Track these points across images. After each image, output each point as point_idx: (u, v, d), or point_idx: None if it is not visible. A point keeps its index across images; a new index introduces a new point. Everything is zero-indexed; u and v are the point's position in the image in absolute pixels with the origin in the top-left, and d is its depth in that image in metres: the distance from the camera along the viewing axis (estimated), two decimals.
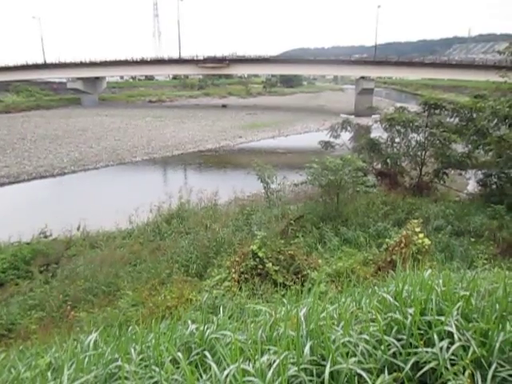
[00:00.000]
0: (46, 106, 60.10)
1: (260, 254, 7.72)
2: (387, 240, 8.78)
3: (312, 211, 13.20)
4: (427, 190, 16.22)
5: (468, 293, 2.05)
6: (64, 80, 67.52)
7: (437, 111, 16.74)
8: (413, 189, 16.11)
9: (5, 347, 6.18)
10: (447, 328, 1.79)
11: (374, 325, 1.93)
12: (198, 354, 2.01)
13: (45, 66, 65.81)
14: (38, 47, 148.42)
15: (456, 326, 1.80)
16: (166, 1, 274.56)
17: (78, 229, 14.57)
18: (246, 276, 7.49)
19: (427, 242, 7.78)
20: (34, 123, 45.30)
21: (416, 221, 8.59)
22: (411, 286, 2.19)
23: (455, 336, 1.75)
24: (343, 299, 2.52)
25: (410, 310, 1.91)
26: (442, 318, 1.84)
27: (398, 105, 29.46)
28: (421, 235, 7.85)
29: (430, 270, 2.52)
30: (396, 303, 2.05)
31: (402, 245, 7.74)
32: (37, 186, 24.40)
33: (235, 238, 11.31)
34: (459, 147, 16.37)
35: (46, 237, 14.35)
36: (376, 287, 2.79)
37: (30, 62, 66.33)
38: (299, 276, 7.53)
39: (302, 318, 2.03)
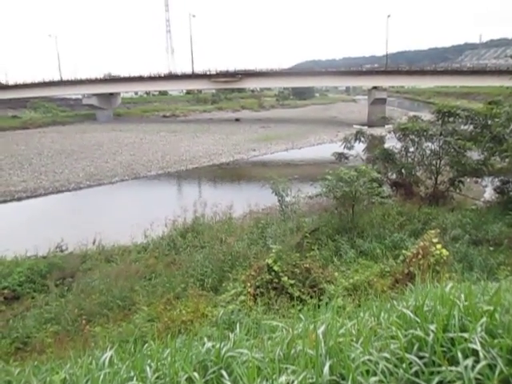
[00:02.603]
0: (62, 122, 61.36)
1: (275, 268, 7.67)
2: (404, 251, 8.66)
3: (327, 223, 13.10)
4: (443, 199, 16.01)
5: (492, 307, 1.98)
6: (80, 96, 68.89)
7: (451, 119, 16.57)
8: (428, 198, 15.91)
9: (20, 361, 6.22)
10: (471, 345, 1.72)
11: (395, 342, 1.87)
12: (214, 372, 1.97)
13: (61, 83, 67.19)
14: (54, 64, 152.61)
15: (481, 342, 1.73)
16: (178, 17, 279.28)
17: (94, 243, 14.69)
18: (261, 290, 7.45)
19: (445, 252, 7.65)
20: (51, 139, 46.15)
21: (433, 231, 8.45)
22: (432, 301, 2.13)
23: (480, 354, 1.68)
24: (361, 314, 2.46)
25: (432, 327, 1.85)
26: (466, 335, 1.77)
27: (411, 114, 29.26)
28: (438, 246, 7.72)
29: (451, 284, 2.44)
30: (417, 319, 1.98)
31: (420, 256, 7.62)
32: (53, 201, 24.73)
33: (250, 252, 11.26)
34: (474, 155, 16.15)
35: (61, 251, 14.53)
36: (395, 301, 2.73)
37: (47, 79, 67.78)
38: (315, 289, 7.44)
39: (321, 336, 1.98)
